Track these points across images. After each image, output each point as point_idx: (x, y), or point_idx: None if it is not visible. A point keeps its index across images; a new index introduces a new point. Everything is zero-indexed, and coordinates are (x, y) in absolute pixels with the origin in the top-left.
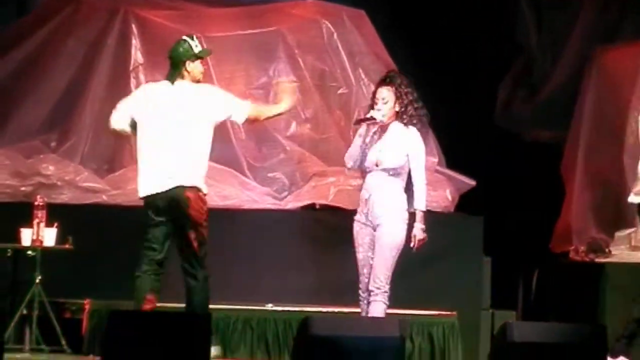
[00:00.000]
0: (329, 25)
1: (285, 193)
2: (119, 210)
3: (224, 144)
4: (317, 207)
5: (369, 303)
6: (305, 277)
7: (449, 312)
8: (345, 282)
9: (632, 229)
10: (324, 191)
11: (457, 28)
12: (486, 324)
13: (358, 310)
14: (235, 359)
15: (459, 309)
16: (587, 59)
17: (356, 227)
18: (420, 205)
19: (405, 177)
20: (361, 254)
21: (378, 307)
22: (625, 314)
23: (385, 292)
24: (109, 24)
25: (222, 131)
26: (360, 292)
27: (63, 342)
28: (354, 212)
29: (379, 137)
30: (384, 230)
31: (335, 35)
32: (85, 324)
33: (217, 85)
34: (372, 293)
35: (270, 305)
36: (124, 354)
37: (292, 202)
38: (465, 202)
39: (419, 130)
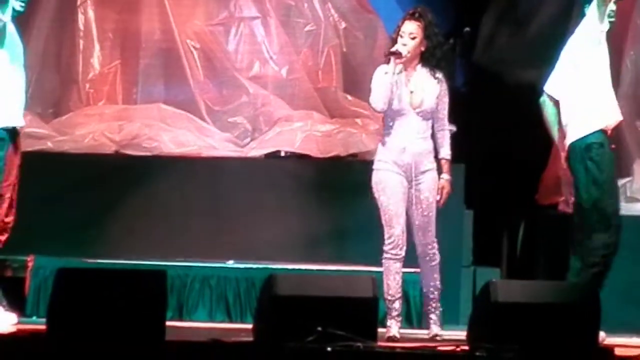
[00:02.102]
0: None
1: (248, 139)
2: (66, 158)
3: (179, 85)
4: (283, 154)
5: (427, 271)
6: (270, 231)
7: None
8: (314, 237)
9: (628, 179)
10: (289, 137)
11: None
12: (467, 283)
13: (328, 267)
14: (192, 321)
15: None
16: None
17: (384, 175)
18: (446, 153)
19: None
20: (394, 204)
21: (437, 271)
22: (622, 271)
23: (437, 254)
24: None
25: (177, 71)
26: (388, 248)
27: (3, 303)
28: (323, 160)
29: (408, 77)
30: (431, 183)
31: None
32: (28, 283)
33: (172, 21)
34: (429, 256)
35: (231, 261)
36: (71, 316)
37: (255, 149)
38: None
39: (443, 75)
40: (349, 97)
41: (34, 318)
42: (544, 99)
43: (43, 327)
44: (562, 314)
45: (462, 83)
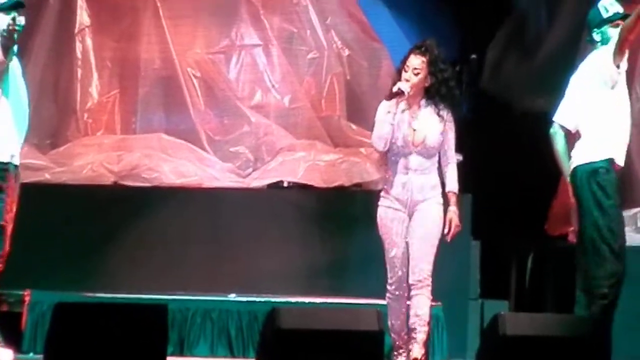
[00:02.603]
0: None
1: (250, 169)
2: (64, 190)
3: (179, 114)
4: (285, 185)
5: (409, 298)
6: (272, 263)
7: (432, 303)
8: (317, 269)
9: (638, 209)
10: (292, 167)
11: None
12: (475, 316)
13: (332, 300)
14: (193, 356)
15: (444, 298)
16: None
17: (388, 214)
18: (454, 186)
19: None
20: (397, 246)
21: (425, 302)
22: (633, 305)
23: (429, 285)
24: None
25: (177, 100)
26: (391, 288)
27: None
28: (326, 190)
29: (411, 114)
30: (429, 215)
31: None
32: (25, 318)
33: (172, 50)
34: (415, 286)
35: (233, 295)
36: (70, 352)
37: (257, 180)
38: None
39: (448, 111)
40: (353, 126)
41: (31, 354)
42: (554, 130)
43: None
44: (571, 348)
45: (468, 110)
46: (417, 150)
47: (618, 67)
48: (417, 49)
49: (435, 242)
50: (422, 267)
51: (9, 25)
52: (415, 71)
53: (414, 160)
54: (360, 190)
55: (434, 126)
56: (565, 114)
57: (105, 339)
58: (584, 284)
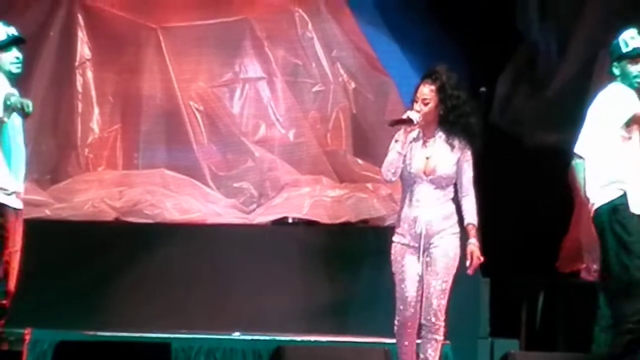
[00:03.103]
0: (303, 13)
1: (254, 205)
2: (65, 226)
3: (182, 149)
4: (290, 221)
5: (426, 340)
6: (277, 301)
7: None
8: (323, 307)
9: None
10: (297, 203)
11: (450, 14)
12: (484, 355)
13: (339, 339)
14: None
15: (453, 337)
16: (600, 49)
17: (400, 251)
18: (473, 218)
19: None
20: (410, 284)
21: (437, 347)
22: None
23: (442, 326)
24: (52, 14)
25: (180, 134)
26: (401, 328)
27: None
28: (332, 226)
29: (424, 144)
30: (443, 252)
31: (309, 25)
32: (25, 357)
33: (175, 83)
34: (430, 330)
35: (237, 333)
36: None
37: (261, 216)
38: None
39: (461, 140)
40: (360, 161)
41: None
42: (575, 161)
43: None
44: None
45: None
46: (429, 179)
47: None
48: (427, 77)
49: (451, 280)
50: (438, 308)
51: (21, 104)
52: (425, 101)
53: (426, 190)
54: (367, 226)
55: (446, 155)
56: (586, 145)
57: None
58: (606, 321)
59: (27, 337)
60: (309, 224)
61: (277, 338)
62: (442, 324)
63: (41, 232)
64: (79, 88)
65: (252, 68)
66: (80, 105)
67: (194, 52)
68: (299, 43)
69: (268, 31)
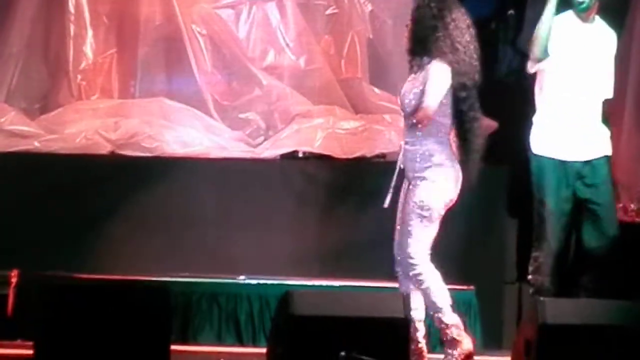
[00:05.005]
0: None
1: (261, 138)
2: (55, 160)
3: (183, 77)
4: (301, 155)
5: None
6: (287, 242)
7: (464, 287)
8: (337, 249)
9: None
10: (308, 136)
11: None
12: (511, 301)
13: (353, 283)
14: (198, 344)
15: (476, 282)
16: None
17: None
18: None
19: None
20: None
21: (417, 297)
22: None
23: (416, 273)
24: None
25: (181, 60)
26: (426, 264)
27: None
28: (347, 161)
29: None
30: (411, 195)
31: None
32: (12, 301)
33: (175, 4)
34: (411, 277)
35: (242, 277)
36: (62, 339)
37: (269, 150)
38: (484, 149)
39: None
40: (376, 90)
41: (19, 341)
42: None
43: (29, 351)
44: (621, 336)
45: (506, 72)
46: (403, 116)
47: None
48: None
49: (416, 223)
50: (404, 254)
51: None
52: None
53: (405, 129)
54: (383, 161)
55: (410, 84)
56: None
57: (102, 324)
58: None
59: (14, 280)
60: (321, 159)
61: (286, 282)
62: (416, 271)
63: (29, 166)
64: (71, 9)
65: None
66: (72, 28)
67: None
68: None
69: None
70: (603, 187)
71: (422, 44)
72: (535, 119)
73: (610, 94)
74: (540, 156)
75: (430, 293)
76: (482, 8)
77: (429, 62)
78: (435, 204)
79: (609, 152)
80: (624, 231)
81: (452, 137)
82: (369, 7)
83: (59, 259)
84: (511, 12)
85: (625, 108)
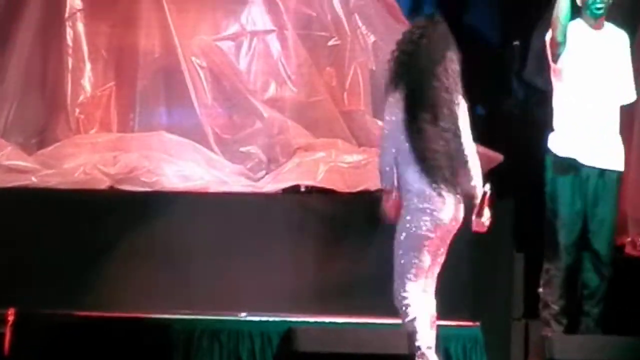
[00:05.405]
0: None
1: (263, 172)
2: (53, 195)
3: (183, 110)
4: (303, 189)
5: None
6: (289, 278)
7: (470, 323)
8: (340, 285)
9: None
10: (311, 169)
11: None
12: (518, 338)
13: (357, 320)
14: None
15: (483, 318)
16: None
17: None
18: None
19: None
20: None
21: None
22: None
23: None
24: None
25: (181, 93)
26: (413, 296)
27: None
28: (350, 195)
29: None
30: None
31: None
32: (8, 340)
33: (175, 36)
34: (429, 290)
35: (244, 314)
36: None
37: (271, 184)
38: (490, 181)
39: None
40: (379, 123)
41: None
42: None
43: None
44: None
45: (513, 103)
46: None
47: None
48: None
49: (397, 255)
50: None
51: None
52: None
53: None
54: None
55: None
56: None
57: None
58: None
59: (11, 318)
60: (324, 193)
61: (288, 319)
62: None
63: (27, 201)
64: (69, 42)
65: (261, 19)
66: (70, 61)
67: (196, 2)
68: None
69: None
70: (608, 203)
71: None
72: (555, 124)
73: (632, 97)
74: (557, 166)
75: (413, 331)
76: (489, 38)
77: None
78: (409, 231)
79: (622, 168)
80: (632, 266)
81: None
82: (372, 38)
83: (57, 296)
84: (516, 42)
85: (634, 135)
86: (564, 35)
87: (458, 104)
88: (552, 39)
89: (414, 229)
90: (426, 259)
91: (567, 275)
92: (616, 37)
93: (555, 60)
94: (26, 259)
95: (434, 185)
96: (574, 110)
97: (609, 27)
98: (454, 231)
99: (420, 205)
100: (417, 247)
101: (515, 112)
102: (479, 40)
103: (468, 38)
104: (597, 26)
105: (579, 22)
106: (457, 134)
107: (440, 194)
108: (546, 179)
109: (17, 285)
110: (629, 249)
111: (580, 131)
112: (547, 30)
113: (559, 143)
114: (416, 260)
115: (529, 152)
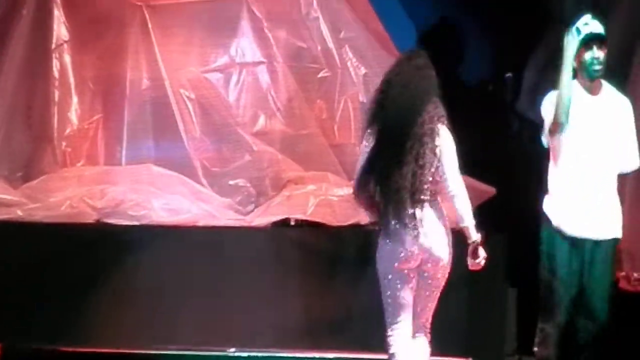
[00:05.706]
0: None
1: (252, 205)
2: (39, 229)
3: (171, 142)
4: (293, 223)
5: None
6: (278, 313)
7: (463, 359)
8: (330, 320)
9: None
10: (301, 203)
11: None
12: None
13: (348, 356)
14: None
15: (476, 353)
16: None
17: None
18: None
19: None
20: (412, 289)
21: (427, 346)
22: None
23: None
24: None
25: (169, 125)
26: (395, 335)
27: None
28: (340, 229)
29: None
30: (439, 259)
31: (314, 3)
32: None
33: (163, 68)
34: (420, 330)
35: (232, 349)
36: None
37: (260, 217)
38: (483, 215)
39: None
40: None
41: None
42: None
43: None
44: None
45: (506, 136)
46: None
47: None
48: None
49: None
50: (429, 315)
51: None
52: None
53: None
54: (377, 229)
55: None
56: None
57: None
58: None
59: None
60: (314, 226)
61: (277, 354)
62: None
63: (12, 235)
64: (56, 74)
65: (250, 51)
66: (56, 93)
67: (184, 33)
68: (303, 23)
69: (268, 10)
70: (604, 266)
71: None
72: (549, 188)
73: (635, 165)
74: (553, 228)
75: None
76: (482, 70)
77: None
78: (379, 266)
79: (620, 235)
80: (626, 301)
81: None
82: (363, 70)
83: (43, 330)
84: (509, 75)
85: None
86: (567, 117)
87: (437, 134)
88: (555, 120)
89: (382, 263)
90: (402, 295)
91: (562, 335)
92: (616, 103)
93: (553, 135)
94: (11, 293)
95: (395, 220)
96: (569, 177)
97: (608, 92)
98: (437, 268)
99: (387, 239)
100: (387, 282)
101: (508, 144)
102: (471, 73)
103: (461, 70)
104: (594, 91)
105: (574, 84)
106: (424, 167)
107: (403, 228)
108: (542, 237)
109: (2, 320)
110: (623, 284)
111: (575, 201)
112: (540, 63)
113: (553, 211)
114: (390, 300)
115: (521, 185)
